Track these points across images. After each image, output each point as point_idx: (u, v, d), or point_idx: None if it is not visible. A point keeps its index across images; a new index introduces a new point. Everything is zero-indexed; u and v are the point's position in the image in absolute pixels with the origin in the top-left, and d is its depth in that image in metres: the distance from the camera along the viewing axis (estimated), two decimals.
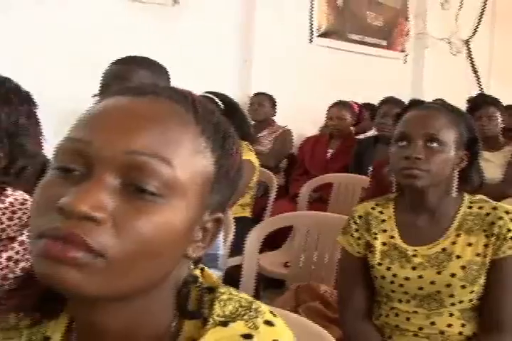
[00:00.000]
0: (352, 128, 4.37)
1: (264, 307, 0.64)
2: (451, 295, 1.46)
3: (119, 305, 0.60)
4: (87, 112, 0.61)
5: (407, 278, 1.49)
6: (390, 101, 3.53)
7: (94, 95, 1.54)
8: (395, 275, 1.50)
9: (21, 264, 1.10)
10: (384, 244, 1.54)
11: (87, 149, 0.56)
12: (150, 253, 0.56)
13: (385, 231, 1.56)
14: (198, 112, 0.61)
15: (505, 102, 3.85)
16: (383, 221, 1.57)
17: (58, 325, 0.66)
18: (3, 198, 1.15)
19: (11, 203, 1.14)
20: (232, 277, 2.00)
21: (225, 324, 0.61)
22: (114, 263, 0.54)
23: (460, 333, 1.47)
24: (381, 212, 1.59)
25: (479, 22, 7.00)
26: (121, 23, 3.56)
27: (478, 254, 1.46)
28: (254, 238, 2.09)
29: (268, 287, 2.99)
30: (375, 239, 1.55)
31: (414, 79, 6.32)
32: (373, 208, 1.60)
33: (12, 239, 1.11)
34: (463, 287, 1.45)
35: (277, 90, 4.41)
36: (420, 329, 1.49)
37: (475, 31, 6.96)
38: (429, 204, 1.52)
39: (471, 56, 7.01)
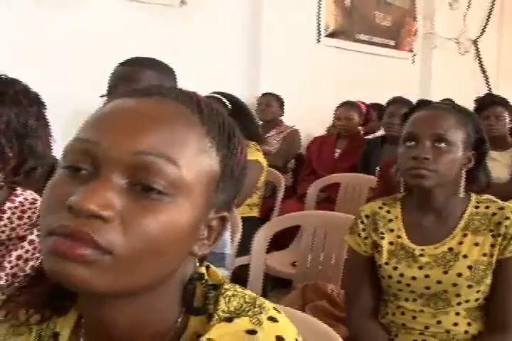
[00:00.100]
0: (360, 128, 4.37)
1: (268, 304, 0.65)
2: (458, 295, 1.46)
3: (127, 301, 0.61)
4: (95, 113, 0.62)
5: (413, 278, 1.49)
6: (397, 101, 3.54)
7: (102, 96, 1.55)
8: (401, 275, 1.51)
9: (31, 263, 1.11)
10: (391, 243, 1.55)
11: (94, 150, 0.57)
12: (156, 251, 0.57)
13: (392, 230, 1.56)
14: (204, 113, 0.62)
15: None
16: (390, 220, 1.58)
17: (67, 321, 0.68)
18: (13, 198, 1.16)
19: (20, 203, 1.16)
20: (239, 277, 2.00)
21: (229, 320, 0.62)
22: (122, 260, 0.55)
23: (466, 332, 1.48)
24: (388, 212, 1.59)
25: (487, 22, 6.98)
26: (128, 24, 3.57)
27: (484, 254, 1.46)
28: (261, 237, 2.10)
29: (275, 287, 2.99)
30: (382, 238, 1.55)
31: (422, 79, 6.31)
32: (380, 208, 1.60)
33: (22, 238, 1.12)
34: (469, 287, 1.45)
35: (285, 90, 4.41)
36: (426, 328, 1.49)
37: (483, 31, 6.94)
38: (436, 204, 1.52)
39: (479, 56, 6.99)
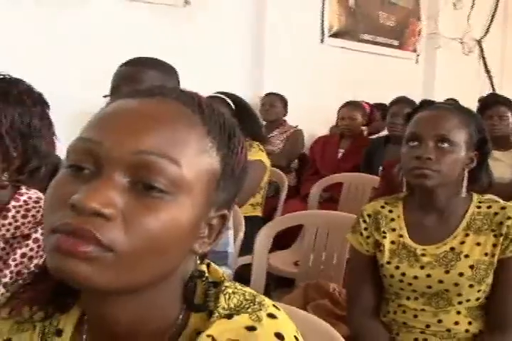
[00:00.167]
0: (364, 128, 4.37)
1: (267, 301, 0.66)
2: (459, 294, 1.46)
3: (129, 298, 0.62)
4: (98, 113, 0.64)
5: (415, 277, 1.50)
6: (401, 101, 3.54)
7: (105, 96, 1.56)
8: (403, 274, 1.51)
9: (35, 261, 1.12)
10: (393, 242, 1.55)
11: (97, 149, 0.58)
12: (157, 248, 0.58)
13: (394, 230, 1.57)
14: (205, 113, 0.63)
15: None
16: (392, 220, 1.58)
17: (70, 317, 0.69)
18: (17, 196, 1.17)
19: (25, 201, 1.16)
20: (242, 276, 2.01)
21: (229, 316, 0.63)
22: (123, 258, 0.56)
23: (467, 331, 1.48)
24: (390, 211, 1.59)
25: (491, 22, 6.97)
26: (131, 24, 3.58)
27: (486, 254, 1.47)
28: (264, 237, 2.10)
29: (278, 286, 3.00)
30: (384, 237, 1.56)
31: (426, 79, 6.30)
32: (382, 207, 1.61)
33: (26, 237, 1.13)
34: (471, 286, 1.46)
35: (288, 90, 4.41)
36: (427, 326, 1.50)
37: (487, 31, 6.93)
38: (438, 203, 1.52)
39: (483, 56, 6.98)
